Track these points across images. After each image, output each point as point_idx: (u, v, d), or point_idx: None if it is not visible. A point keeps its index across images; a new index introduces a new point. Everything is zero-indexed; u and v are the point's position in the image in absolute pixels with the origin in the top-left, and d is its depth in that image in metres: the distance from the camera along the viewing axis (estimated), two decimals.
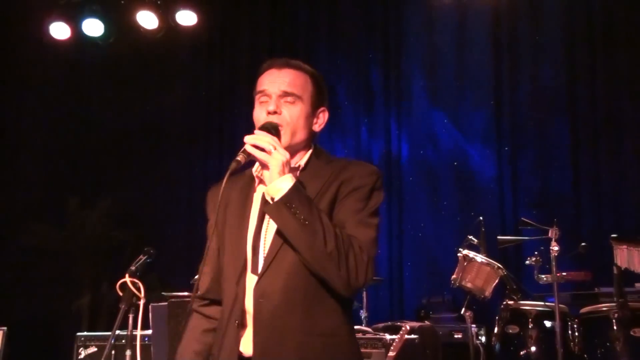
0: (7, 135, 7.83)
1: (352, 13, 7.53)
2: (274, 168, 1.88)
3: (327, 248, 1.83)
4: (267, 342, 1.90)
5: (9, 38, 7.62)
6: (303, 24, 7.73)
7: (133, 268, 2.87)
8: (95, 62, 7.73)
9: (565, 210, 6.31)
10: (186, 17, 6.99)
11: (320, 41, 7.65)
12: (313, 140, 2.14)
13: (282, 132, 2.00)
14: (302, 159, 2.08)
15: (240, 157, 1.93)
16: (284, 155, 1.90)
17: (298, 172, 2.04)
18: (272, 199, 1.88)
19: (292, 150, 2.04)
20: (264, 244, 1.98)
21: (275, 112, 2.02)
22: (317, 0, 7.69)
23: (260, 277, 1.93)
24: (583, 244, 4.54)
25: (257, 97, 2.08)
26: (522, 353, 4.30)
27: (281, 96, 2.04)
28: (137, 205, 7.63)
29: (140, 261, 2.94)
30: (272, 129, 1.98)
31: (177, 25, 7.03)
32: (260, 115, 2.05)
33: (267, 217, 1.98)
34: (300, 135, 2.05)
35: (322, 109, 2.12)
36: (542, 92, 6.66)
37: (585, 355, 4.17)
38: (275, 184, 1.88)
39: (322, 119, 2.12)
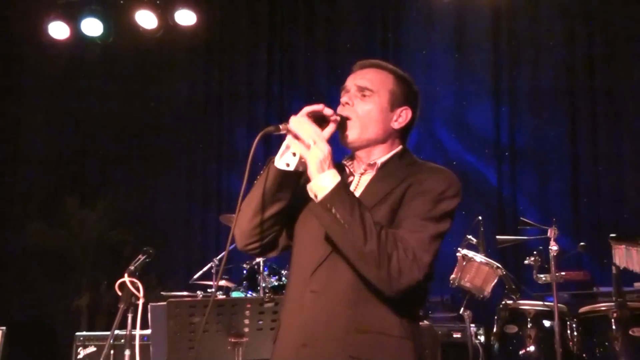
0: (7, 134, 7.83)
1: (350, 13, 7.53)
2: (312, 165, 1.87)
3: (365, 248, 1.80)
4: (314, 335, 1.90)
5: (8, 38, 7.62)
6: (302, 24, 7.73)
7: (132, 268, 2.86)
8: (95, 61, 7.72)
9: (564, 210, 6.32)
10: (185, 17, 6.99)
11: (319, 41, 7.65)
12: (400, 138, 2.12)
13: (349, 125, 2.03)
14: (382, 156, 2.08)
15: (282, 126, 1.91)
16: (322, 150, 1.87)
17: (374, 169, 2.06)
18: (316, 196, 1.87)
19: (366, 144, 2.06)
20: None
21: (347, 104, 2.06)
22: (316, 1, 7.69)
23: (315, 270, 1.94)
24: (582, 243, 4.54)
25: (341, 95, 2.13)
26: (521, 353, 4.31)
27: (357, 91, 2.07)
28: (136, 205, 7.63)
29: (139, 261, 2.94)
30: (319, 119, 1.96)
31: (176, 25, 7.03)
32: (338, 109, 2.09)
33: None
34: (374, 130, 2.05)
35: (404, 107, 2.09)
36: (541, 91, 6.67)
37: (584, 355, 4.17)
38: (318, 181, 1.86)
39: (403, 117, 2.09)
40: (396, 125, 2.09)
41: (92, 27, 6.98)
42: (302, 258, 2.03)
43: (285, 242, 2.14)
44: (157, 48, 7.54)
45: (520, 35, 6.84)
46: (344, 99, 2.07)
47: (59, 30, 7.06)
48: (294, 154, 1.97)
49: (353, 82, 2.09)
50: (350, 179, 2.11)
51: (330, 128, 1.98)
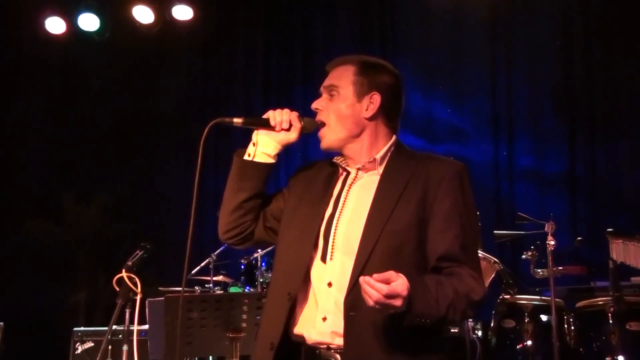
0: (3, 130, 7.81)
1: (348, 10, 7.51)
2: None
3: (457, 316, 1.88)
4: (358, 355, 1.89)
5: (4, 33, 7.59)
6: (299, 18, 7.72)
7: (129, 263, 2.86)
8: (91, 56, 7.70)
9: (562, 205, 6.33)
10: (182, 12, 6.98)
11: (316, 36, 7.64)
12: (387, 127, 2.10)
13: (325, 130, 2.08)
14: (378, 151, 2.06)
15: (236, 120, 2.14)
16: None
17: (377, 165, 2.04)
18: None
19: (344, 142, 2.07)
20: (335, 231, 1.98)
21: (318, 109, 2.11)
22: None
23: (350, 290, 1.89)
24: (579, 238, 4.55)
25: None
26: (518, 347, 4.31)
27: (326, 93, 2.10)
28: (133, 200, 7.63)
29: (137, 256, 2.94)
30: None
31: (173, 19, 7.03)
32: None
33: (340, 205, 2.01)
34: (346, 126, 2.06)
35: (372, 93, 2.06)
36: (538, 88, 6.67)
37: (581, 349, 4.18)
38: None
39: (374, 103, 2.06)
40: (367, 114, 2.07)
41: (88, 22, 6.96)
42: (296, 245, 2.03)
43: (261, 235, 2.17)
44: (154, 43, 7.51)
45: (517, 31, 6.84)
46: (314, 105, 2.11)
47: (55, 25, 7.04)
48: (254, 144, 2.10)
49: (322, 86, 2.12)
50: (344, 174, 2.09)
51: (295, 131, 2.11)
